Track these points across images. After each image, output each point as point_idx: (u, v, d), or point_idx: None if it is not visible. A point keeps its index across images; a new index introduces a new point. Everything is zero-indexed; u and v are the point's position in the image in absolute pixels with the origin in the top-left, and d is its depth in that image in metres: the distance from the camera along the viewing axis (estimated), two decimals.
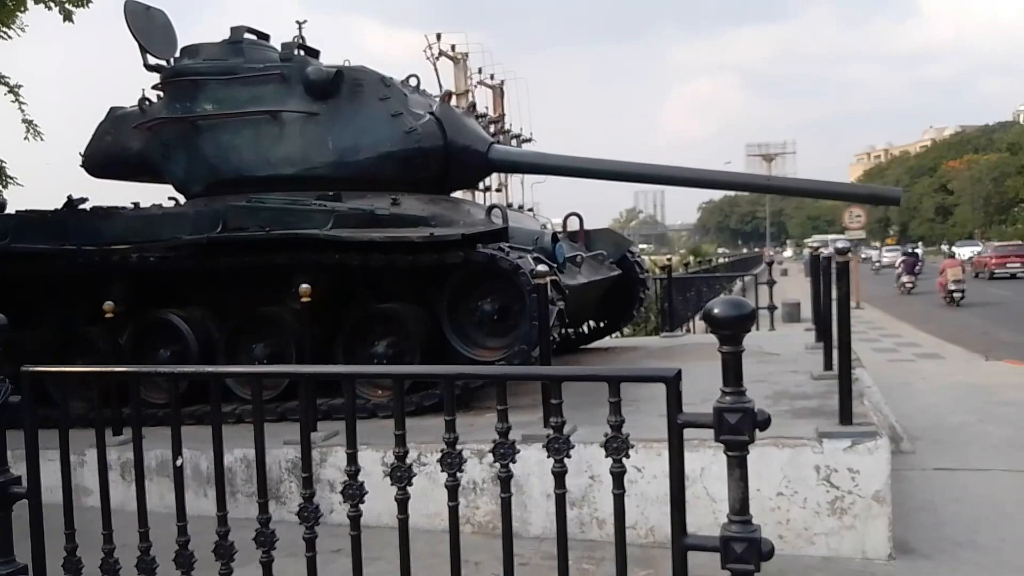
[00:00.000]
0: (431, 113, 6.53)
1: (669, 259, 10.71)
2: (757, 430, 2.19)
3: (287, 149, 6.20)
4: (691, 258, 20.81)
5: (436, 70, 14.58)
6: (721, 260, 24.04)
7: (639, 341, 9.35)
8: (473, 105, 7.15)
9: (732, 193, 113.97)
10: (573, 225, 7.70)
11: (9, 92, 9.90)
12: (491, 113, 16.48)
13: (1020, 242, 35.58)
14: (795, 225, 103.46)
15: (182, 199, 6.81)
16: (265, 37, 6.86)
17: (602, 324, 8.09)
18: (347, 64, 6.82)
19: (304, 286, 4.77)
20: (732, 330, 2.13)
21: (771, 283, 10.35)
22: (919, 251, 32.82)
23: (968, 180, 67.32)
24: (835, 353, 4.82)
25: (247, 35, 6.66)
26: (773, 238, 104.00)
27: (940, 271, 22.19)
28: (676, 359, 7.03)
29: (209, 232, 5.67)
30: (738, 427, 2.14)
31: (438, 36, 14.43)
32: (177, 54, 6.74)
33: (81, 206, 6.62)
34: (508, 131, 16.67)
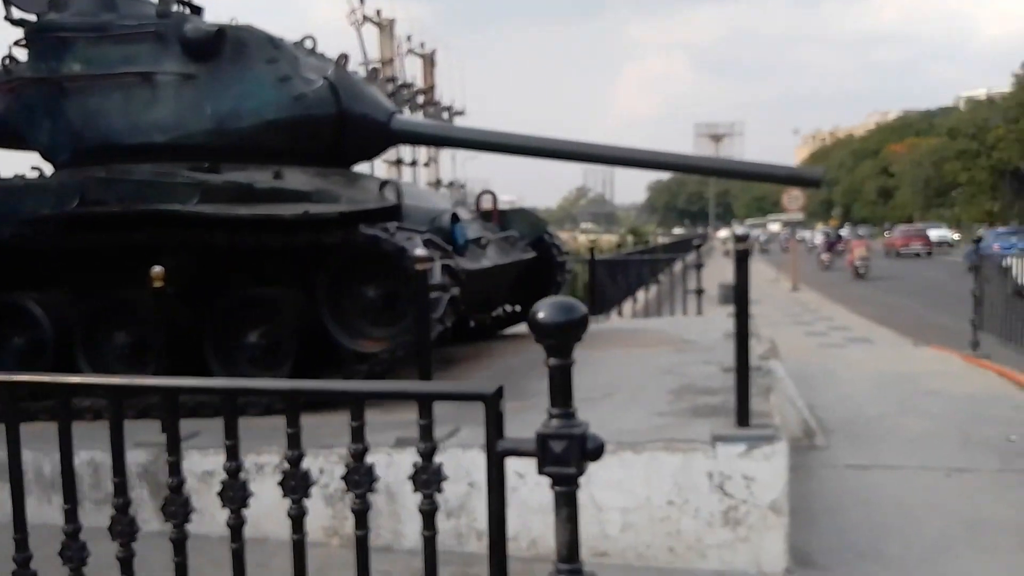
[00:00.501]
0: (325, 78, 5.99)
1: (593, 242, 10.31)
2: (589, 460, 1.77)
3: (159, 114, 5.60)
4: (629, 238, 20.51)
5: (360, 36, 13.95)
6: (661, 240, 23.83)
7: None
8: (375, 71, 6.57)
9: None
10: (489, 205, 7.26)
11: None
12: (421, 83, 15.89)
13: (921, 225, 43.52)
14: (741, 206, 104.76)
15: (50, 170, 6.15)
16: None
17: (518, 309, 7.68)
18: (233, 22, 6.23)
19: (156, 268, 4.24)
20: (559, 338, 1.71)
21: (699, 265, 10.08)
22: (843, 232, 38.51)
23: (909, 164, 68.71)
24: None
25: None
26: (719, 218, 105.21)
27: (851, 250, 26.08)
28: (587, 346, 6.66)
29: (67, 207, 5.08)
30: (564, 457, 1.73)
31: (361, 0, 13.75)
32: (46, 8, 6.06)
33: None
34: (437, 103, 16.09)
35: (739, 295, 3.61)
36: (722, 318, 7.94)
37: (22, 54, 6.21)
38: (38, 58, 5.92)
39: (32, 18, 5.98)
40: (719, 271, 29.12)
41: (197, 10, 6.39)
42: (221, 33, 5.70)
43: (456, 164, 16.10)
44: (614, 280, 12.71)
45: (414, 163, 14.75)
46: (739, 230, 3.59)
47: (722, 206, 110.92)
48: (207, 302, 4.98)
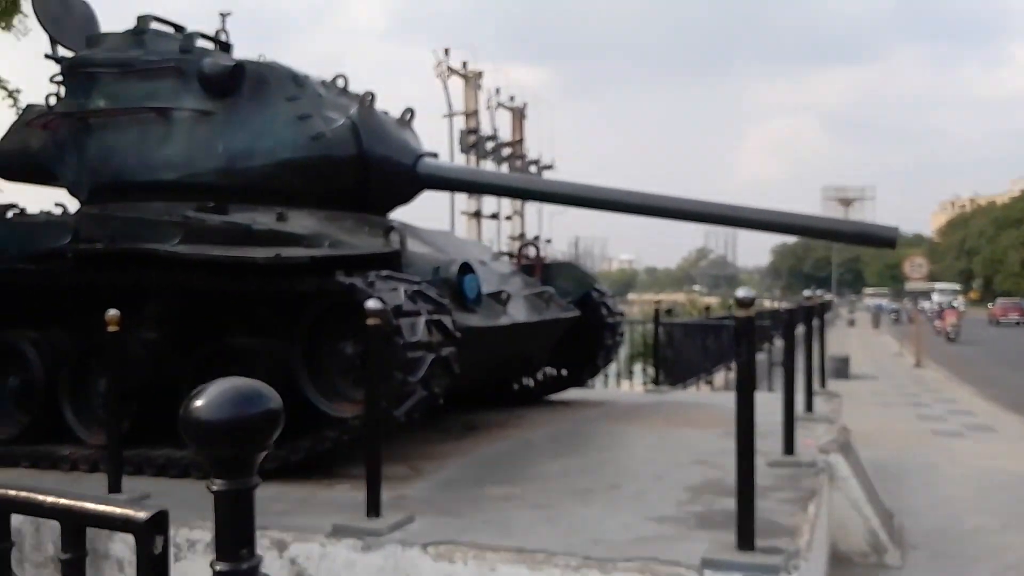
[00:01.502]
0: (348, 118, 5.62)
1: (658, 303, 9.39)
2: None
3: (171, 152, 5.36)
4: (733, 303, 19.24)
5: (446, 88, 13.84)
6: (774, 306, 22.17)
7: (616, 395, 8.15)
8: (410, 112, 6.17)
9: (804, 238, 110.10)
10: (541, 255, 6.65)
11: (8, 96, 9.59)
12: (509, 137, 15.58)
13: (1019, 299, 47.90)
14: (872, 273, 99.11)
15: (75, 207, 6.04)
16: (180, 29, 6.08)
17: (563, 372, 6.95)
18: (262, 59, 6.00)
19: (111, 312, 3.86)
20: (227, 446, 1.06)
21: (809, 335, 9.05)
22: (956, 303, 41.35)
23: None
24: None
25: (154, 24, 5.90)
26: (848, 285, 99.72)
27: (941, 317, 31.93)
28: (625, 420, 5.86)
29: (58, 244, 4.86)
30: None
31: (446, 51, 13.68)
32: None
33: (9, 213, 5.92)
34: (523, 156, 15.71)
35: (741, 379, 2.81)
36: (816, 399, 6.91)
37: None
38: (70, 94, 5.86)
39: (70, 55, 5.97)
40: (839, 341, 27.16)
41: (226, 46, 6.22)
42: (239, 69, 5.45)
43: (543, 218, 15.53)
44: (702, 346, 11.73)
45: (495, 216, 14.36)
46: (741, 292, 2.79)
47: (852, 273, 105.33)
48: (189, 349, 4.57)
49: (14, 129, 6.39)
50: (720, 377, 11.75)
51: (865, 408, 12.75)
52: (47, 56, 6.13)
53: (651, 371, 11.26)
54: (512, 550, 2.81)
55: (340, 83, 6.10)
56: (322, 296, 4.09)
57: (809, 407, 5.81)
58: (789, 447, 4.27)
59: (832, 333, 34.03)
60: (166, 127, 5.42)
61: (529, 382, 7.11)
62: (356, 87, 5.83)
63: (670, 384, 9.88)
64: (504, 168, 14.88)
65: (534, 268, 6.54)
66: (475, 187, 5.87)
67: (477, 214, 13.80)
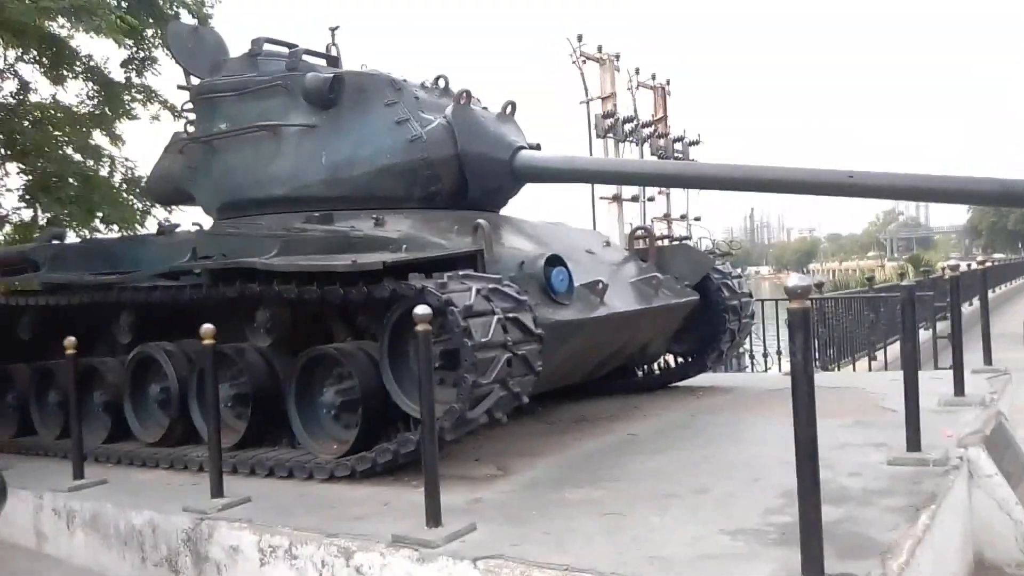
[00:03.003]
0: (445, 117, 5.66)
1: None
2: None
3: (280, 166, 5.64)
4: (909, 268, 17.53)
5: (582, 74, 13.53)
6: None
7: (752, 380, 7.67)
8: (512, 106, 6.12)
9: None
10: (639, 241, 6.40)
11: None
12: (650, 116, 15.05)
13: None
14: None
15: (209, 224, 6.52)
16: (292, 48, 6.37)
17: (688, 359, 6.65)
18: (364, 68, 6.16)
19: (206, 326, 4.12)
20: None
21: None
22: None
23: None
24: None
25: (267, 45, 6.23)
26: None
27: None
28: (748, 408, 5.49)
29: (178, 261, 5.26)
30: None
31: (579, 37, 13.38)
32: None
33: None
34: (666, 134, 15.13)
35: (795, 376, 2.51)
36: (978, 378, 6.18)
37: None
38: (198, 120, 6.33)
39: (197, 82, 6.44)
40: None
41: (334, 60, 6.44)
42: (338, 80, 5.62)
43: (688, 198, 14.88)
44: (866, 320, 10.83)
45: (635, 198, 13.98)
46: (793, 280, 2.43)
47: None
48: (292, 356, 4.80)
49: (162, 157, 7.00)
50: (886, 352, 10.80)
51: None
52: (179, 87, 6.66)
53: None
54: (558, 568, 2.70)
55: (441, 84, 6.20)
56: (401, 299, 4.13)
57: (960, 389, 5.18)
58: (915, 442, 3.81)
59: None
60: (276, 143, 5.70)
61: (654, 368, 6.88)
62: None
63: (821, 366, 9.23)
64: (646, 149, 14.48)
65: (647, 252, 6.29)
66: (573, 175, 5.71)
67: (616, 197, 13.52)
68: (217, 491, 4.10)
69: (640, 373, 6.87)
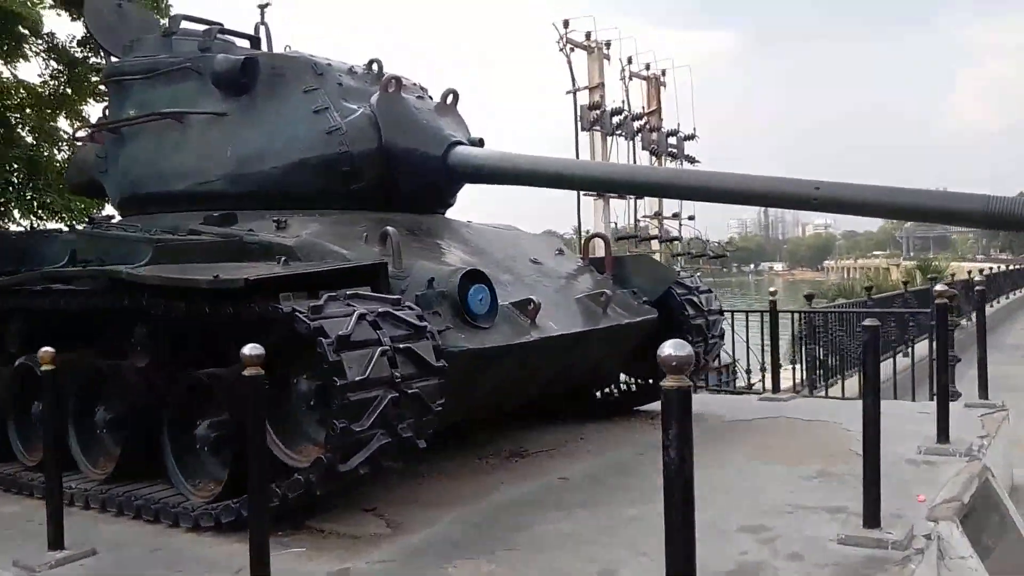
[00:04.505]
0: (370, 106, 5.01)
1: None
2: None
3: (183, 159, 5.03)
4: (918, 274, 16.67)
5: (569, 62, 12.79)
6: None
7: (727, 403, 6.97)
8: (452, 95, 5.46)
9: None
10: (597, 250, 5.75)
11: None
12: (643, 108, 14.29)
13: None
14: None
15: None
16: (216, 25, 5.73)
17: (649, 382, 5.99)
18: (288, 50, 5.52)
19: (44, 350, 3.49)
20: None
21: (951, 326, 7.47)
22: None
23: None
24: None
25: (184, 23, 5.59)
26: None
27: None
28: (712, 448, 4.79)
29: (55, 264, 4.65)
30: None
31: (565, 23, 12.59)
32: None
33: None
34: (658, 128, 14.35)
35: (667, 478, 1.85)
36: (970, 415, 5.49)
37: None
38: (110, 104, 5.74)
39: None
40: None
41: (256, 42, 5.80)
42: (251, 63, 5.00)
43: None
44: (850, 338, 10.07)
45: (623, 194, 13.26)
46: (667, 349, 1.79)
47: None
48: (168, 380, 4.18)
49: (81, 144, 6.40)
50: (895, 363, 10.04)
51: None
52: (93, 67, 6.05)
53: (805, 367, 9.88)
54: None
55: (374, 68, 5.53)
56: (273, 323, 3.49)
57: (944, 435, 4.50)
58: (873, 516, 3.14)
59: None
60: (181, 133, 5.09)
61: (613, 391, 6.24)
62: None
63: (809, 387, 8.55)
64: (637, 143, 13.74)
65: (604, 262, 5.64)
66: (513, 176, 5.05)
67: (600, 194, 12.78)
68: (56, 542, 3.49)
69: (599, 395, 6.24)
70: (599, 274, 5.56)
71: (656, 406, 6.19)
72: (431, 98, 5.54)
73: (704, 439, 5.13)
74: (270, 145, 4.91)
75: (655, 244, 14.32)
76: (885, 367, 9.31)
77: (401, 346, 3.40)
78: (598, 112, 12.64)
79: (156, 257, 4.08)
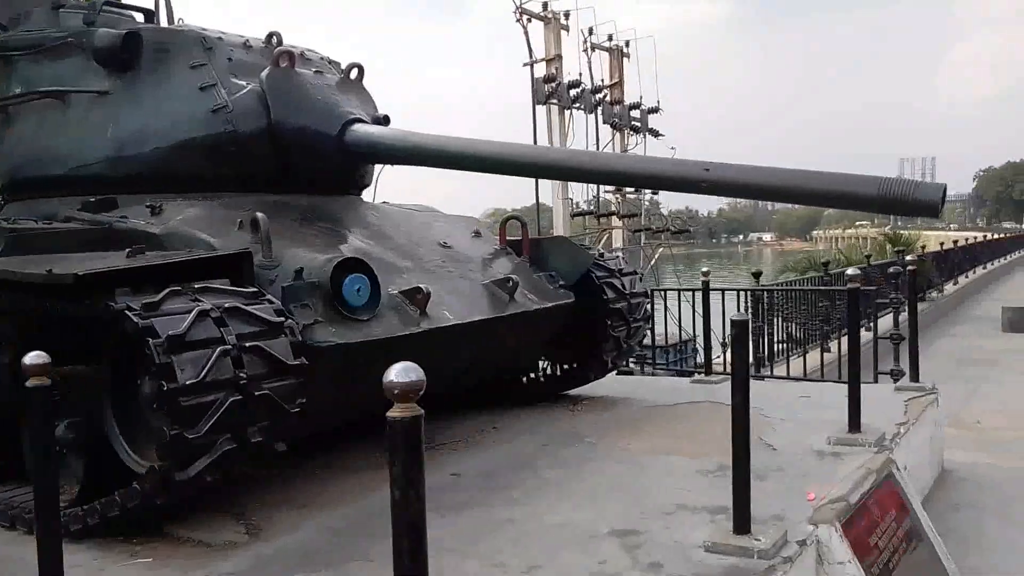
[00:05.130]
0: (260, 82, 4.73)
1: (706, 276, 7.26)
2: None
3: (63, 141, 4.74)
4: (888, 246, 16.45)
5: (526, 33, 12.41)
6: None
7: (660, 387, 6.78)
8: (356, 69, 5.17)
9: (1016, 158, 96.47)
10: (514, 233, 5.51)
11: None
12: (606, 80, 13.93)
13: None
14: None
15: None
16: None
17: (571, 368, 5.78)
18: (181, 24, 5.22)
19: (32, 358, 3.21)
20: None
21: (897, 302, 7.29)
22: None
23: None
24: None
25: None
26: None
27: None
28: (624, 437, 4.58)
29: None
30: None
31: None
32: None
33: None
34: (620, 101, 14.01)
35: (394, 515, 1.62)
36: (895, 400, 5.30)
37: None
38: None
39: None
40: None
41: (150, 15, 5.48)
42: (133, 37, 4.70)
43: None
44: (828, 309, 9.88)
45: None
46: (392, 373, 1.55)
47: None
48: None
49: None
50: (840, 344, 9.87)
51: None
52: None
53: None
54: None
55: (274, 42, 5.23)
56: (113, 320, 3.24)
57: (855, 423, 4.31)
58: (742, 520, 2.94)
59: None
60: (63, 113, 4.80)
61: (540, 376, 6.04)
62: None
63: (756, 365, 8.37)
64: (599, 116, 13.39)
65: (521, 245, 5.40)
66: (413, 156, 4.79)
67: None
68: None
69: (524, 380, 6.03)
70: (516, 257, 5.33)
71: (583, 390, 6.04)
72: (340, 73, 5.26)
73: (618, 428, 4.97)
74: (152, 125, 4.62)
75: (615, 220, 14.11)
76: (835, 346, 9.18)
77: (249, 344, 3.17)
78: (553, 85, 12.30)
79: (10, 248, 3.82)
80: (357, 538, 3.31)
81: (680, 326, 7.07)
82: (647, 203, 14.15)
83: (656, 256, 15.24)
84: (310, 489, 3.96)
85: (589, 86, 13.12)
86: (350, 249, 4.27)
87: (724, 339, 8.62)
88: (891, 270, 5.85)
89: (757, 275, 8.63)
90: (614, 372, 6.19)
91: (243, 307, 3.26)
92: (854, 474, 3.61)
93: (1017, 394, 9.42)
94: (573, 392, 6.01)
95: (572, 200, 12.99)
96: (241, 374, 3.12)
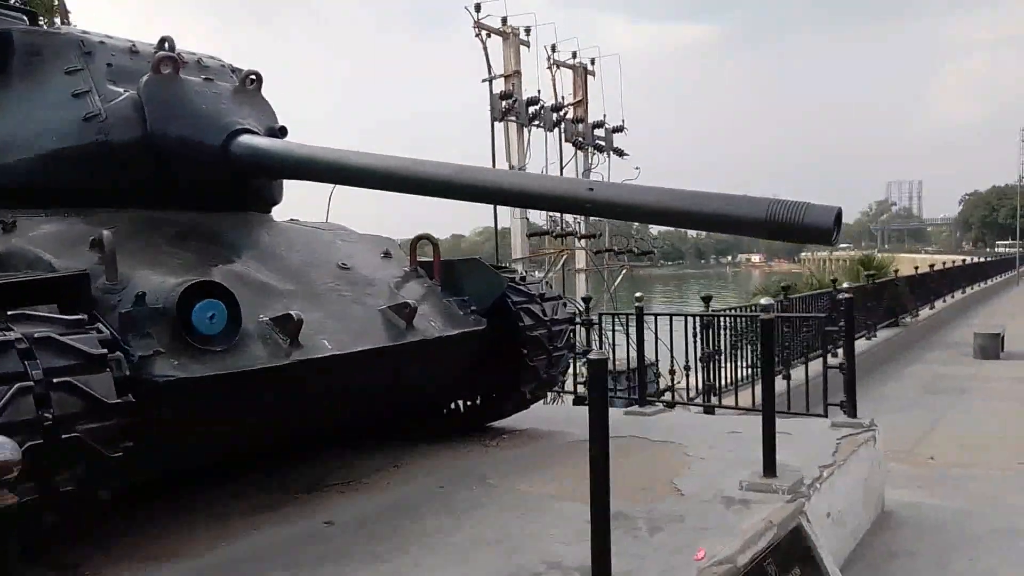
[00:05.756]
0: (137, 91, 4.37)
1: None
2: None
3: None
4: (859, 269, 16.20)
5: (485, 49, 12.10)
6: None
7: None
8: (253, 78, 4.82)
9: (1002, 183, 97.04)
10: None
11: None
12: (570, 99, 13.64)
13: None
14: None
15: None
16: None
17: (490, 400, 5.41)
18: (73, 29, 4.88)
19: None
20: None
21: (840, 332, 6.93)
22: None
23: None
24: None
25: None
26: None
27: None
28: (528, 479, 4.19)
29: None
30: None
31: (477, 7, 11.83)
32: None
33: None
34: (583, 119, 13.71)
35: None
36: (828, 437, 4.94)
37: None
38: None
39: None
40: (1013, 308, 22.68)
41: (33, 16, 5.14)
42: (2, 40, 4.34)
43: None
44: (789, 334, 9.54)
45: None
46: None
47: None
48: None
49: None
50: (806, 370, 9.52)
51: (993, 405, 10.12)
52: None
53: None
54: None
55: (166, 48, 4.88)
56: None
57: (770, 466, 3.95)
58: None
59: (1007, 300, 29.06)
60: None
61: (460, 407, 5.66)
62: None
63: (704, 394, 8.02)
64: (561, 134, 13.08)
65: (433, 267, 5.04)
66: (306, 171, 4.44)
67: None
68: None
69: (445, 412, 5.66)
70: (428, 280, 4.98)
71: (508, 422, 5.67)
72: (237, 82, 4.91)
73: (528, 467, 4.58)
74: (19, 134, 4.26)
75: (580, 241, 13.76)
76: (797, 373, 8.82)
77: (58, 380, 2.79)
78: (510, 101, 11.99)
79: None
80: None
81: (641, 352, 6.68)
82: (611, 225, 13.85)
83: (620, 278, 14.89)
84: (165, 537, 3.56)
85: (550, 103, 12.83)
86: (221, 272, 3.91)
87: (673, 366, 8.31)
88: (839, 297, 5.51)
89: (707, 299, 8.29)
90: (566, 400, 5.84)
91: (58, 337, 2.88)
92: (752, 528, 3.23)
93: (979, 424, 9.12)
94: (498, 424, 5.65)
95: (527, 220, 12.65)
96: (46, 414, 2.74)
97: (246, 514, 3.88)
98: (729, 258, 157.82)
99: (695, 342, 7.66)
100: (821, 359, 7.15)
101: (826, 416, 6.80)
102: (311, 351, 3.78)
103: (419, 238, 5.14)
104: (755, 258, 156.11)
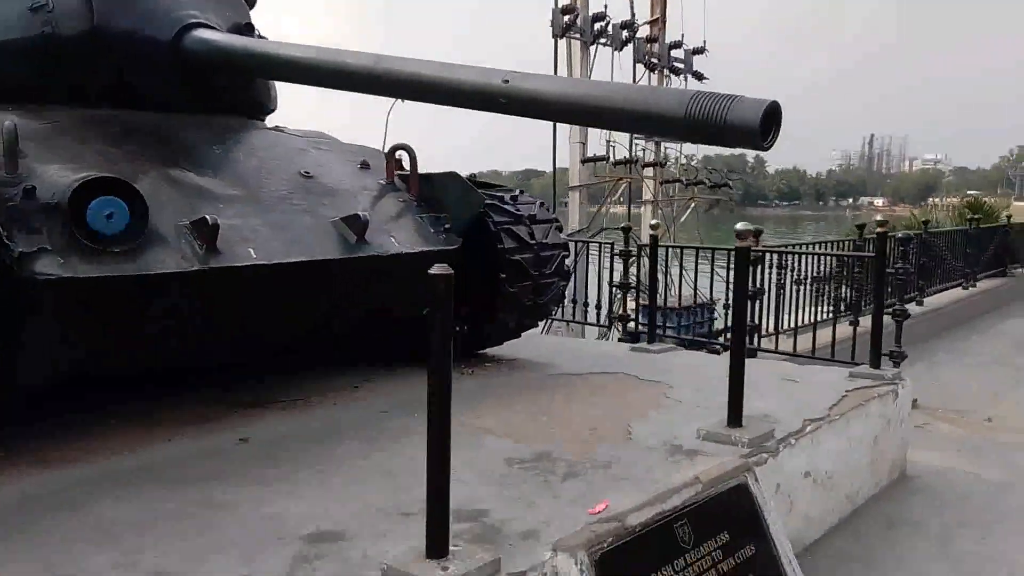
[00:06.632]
0: None
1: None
2: None
3: None
4: (965, 212, 14.55)
5: None
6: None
7: (582, 349, 5.91)
8: None
9: None
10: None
11: None
12: (636, 17, 12.56)
13: None
14: None
15: None
16: None
17: (464, 329, 5.04)
18: None
19: None
20: None
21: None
22: None
23: None
24: None
25: None
26: None
27: None
28: (506, 408, 3.86)
29: None
30: None
31: None
32: None
33: None
34: (656, 39, 12.67)
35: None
36: (836, 389, 4.36)
37: None
38: None
39: None
40: None
41: None
42: None
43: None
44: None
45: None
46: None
47: None
48: None
49: None
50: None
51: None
52: None
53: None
54: None
55: None
56: None
57: (735, 417, 3.44)
58: (435, 544, 2.20)
59: None
60: None
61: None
62: None
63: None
64: (627, 55, 12.18)
65: (409, 180, 4.68)
66: (259, 68, 4.11)
67: None
68: None
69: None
70: (405, 194, 4.63)
71: (499, 350, 5.33)
72: None
73: (489, 398, 4.23)
74: None
75: (645, 169, 12.93)
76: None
77: None
78: (570, 17, 11.17)
79: None
80: (62, 511, 2.75)
81: (652, 288, 6.15)
82: (678, 154, 12.92)
83: (688, 212, 13.99)
84: (72, 443, 3.44)
85: (620, 20, 11.91)
86: (147, 171, 3.67)
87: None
88: (877, 232, 4.79)
89: (758, 233, 7.56)
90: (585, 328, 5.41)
91: None
92: (666, 482, 2.77)
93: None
94: (492, 352, 5.32)
95: (582, 144, 11.95)
96: None
97: (169, 425, 3.72)
98: (850, 200, 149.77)
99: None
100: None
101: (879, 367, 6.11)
102: (229, 259, 3.51)
103: (396, 148, 4.76)
104: (878, 201, 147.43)
